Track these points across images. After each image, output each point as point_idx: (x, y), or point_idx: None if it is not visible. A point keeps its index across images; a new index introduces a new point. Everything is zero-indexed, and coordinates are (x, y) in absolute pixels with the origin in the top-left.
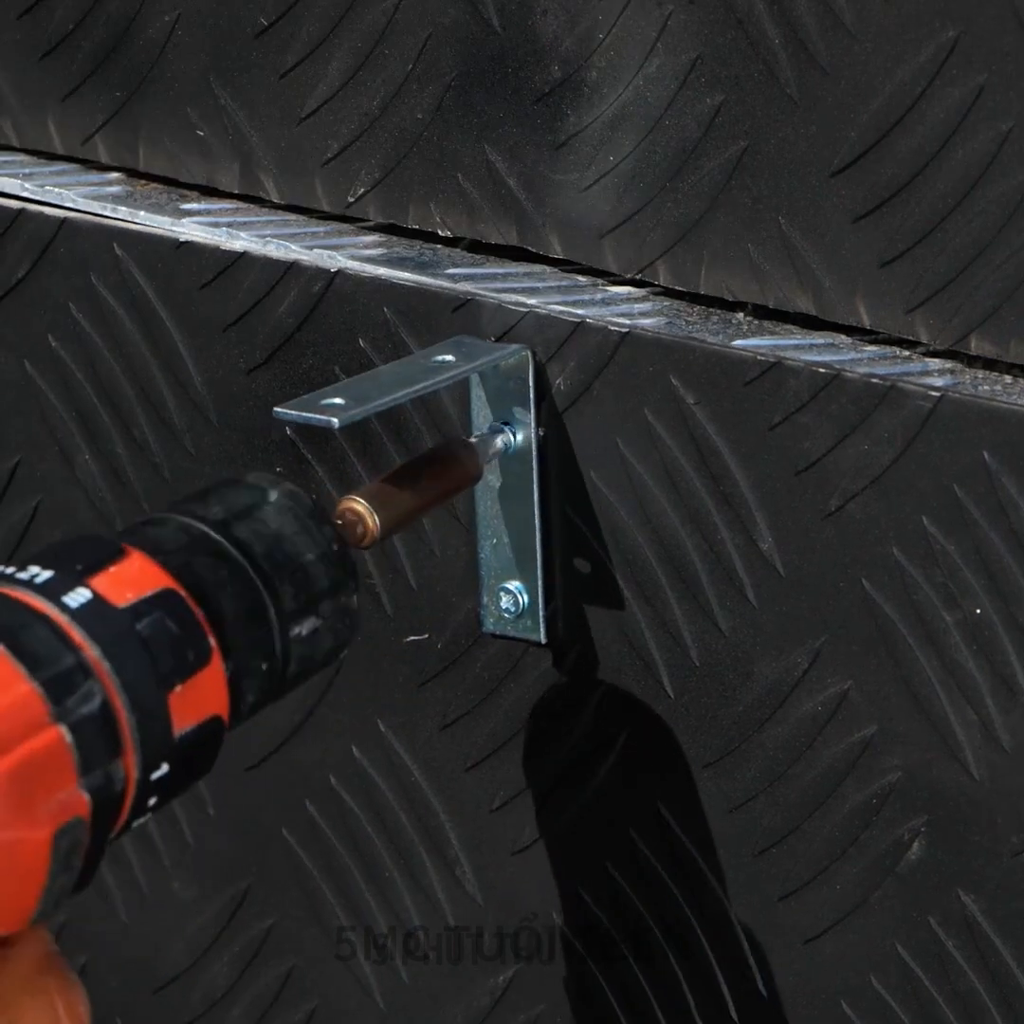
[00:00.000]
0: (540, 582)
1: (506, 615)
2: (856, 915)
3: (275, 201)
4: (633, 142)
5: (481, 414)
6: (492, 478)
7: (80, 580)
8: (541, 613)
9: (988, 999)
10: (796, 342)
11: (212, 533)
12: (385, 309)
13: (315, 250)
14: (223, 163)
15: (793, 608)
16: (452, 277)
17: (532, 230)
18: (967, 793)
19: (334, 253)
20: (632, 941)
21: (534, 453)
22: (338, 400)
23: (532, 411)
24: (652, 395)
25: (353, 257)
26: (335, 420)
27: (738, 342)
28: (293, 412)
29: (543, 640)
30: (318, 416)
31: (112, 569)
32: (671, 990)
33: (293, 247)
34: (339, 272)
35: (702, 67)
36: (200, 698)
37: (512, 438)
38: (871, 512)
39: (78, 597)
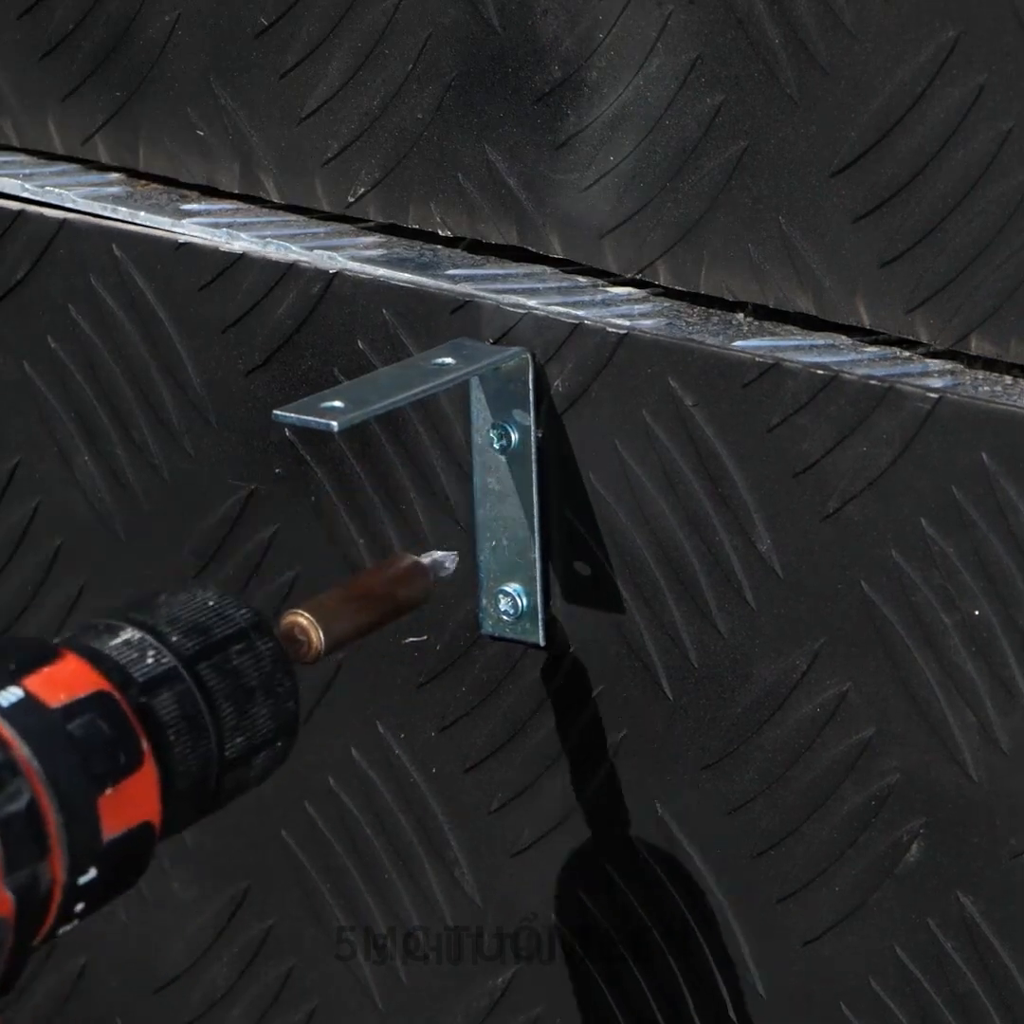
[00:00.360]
0: (539, 584)
1: (505, 617)
2: (855, 917)
3: (275, 201)
4: (633, 142)
5: (481, 416)
6: (491, 480)
7: (12, 679)
8: (540, 615)
9: (987, 1001)
10: (796, 343)
11: (152, 639)
12: (384, 311)
13: (315, 251)
14: (223, 163)
15: (792, 610)
16: (452, 278)
17: (532, 230)
18: (966, 795)
19: (334, 254)
20: (631, 942)
21: (533, 455)
22: (337, 403)
23: (531, 413)
24: (650, 397)
25: (353, 258)
26: (335, 424)
27: (737, 343)
28: (293, 415)
29: (542, 642)
30: (318, 419)
31: (46, 670)
32: (670, 991)
33: (293, 248)
34: (338, 274)
35: (702, 67)
36: (131, 803)
37: (509, 442)
38: (869, 514)
39: (9, 695)
